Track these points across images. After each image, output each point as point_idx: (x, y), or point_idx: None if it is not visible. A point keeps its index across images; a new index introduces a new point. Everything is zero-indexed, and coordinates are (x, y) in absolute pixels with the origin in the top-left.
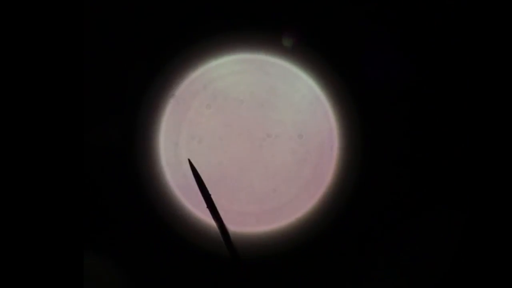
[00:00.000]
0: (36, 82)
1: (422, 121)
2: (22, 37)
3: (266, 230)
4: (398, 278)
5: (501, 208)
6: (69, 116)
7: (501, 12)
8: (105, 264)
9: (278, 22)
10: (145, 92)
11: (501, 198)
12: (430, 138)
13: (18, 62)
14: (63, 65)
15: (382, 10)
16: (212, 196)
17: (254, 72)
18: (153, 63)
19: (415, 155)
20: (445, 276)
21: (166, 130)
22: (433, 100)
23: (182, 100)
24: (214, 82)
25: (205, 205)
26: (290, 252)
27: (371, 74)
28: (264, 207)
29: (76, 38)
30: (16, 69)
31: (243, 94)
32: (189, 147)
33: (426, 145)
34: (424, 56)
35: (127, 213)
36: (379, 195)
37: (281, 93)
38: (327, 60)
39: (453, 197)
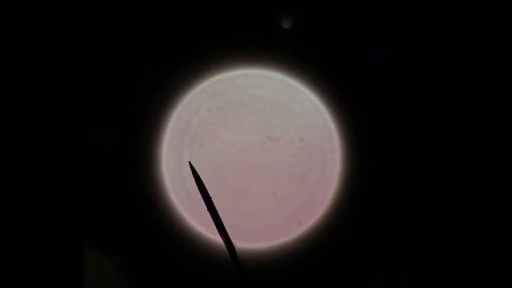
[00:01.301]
0: (38, 82)
1: (422, 123)
2: (25, 37)
3: (269, 238)
4: (401, 283)
5: (502, 212)
6: (71, 116)
7: (500, 10)
8: (105, 265)
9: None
10: (149, 96)
11: (502, 202)
12: (431, 141)
13: (22, 63)
14: (68, 67)
15: (379, 10)
16: (213, 199)
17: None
18: (159, 70)
19: (415, 159)
20: (448, 282)
21: (167, 133)
22: (433, 102)
23: (184, 104)
24: (217, 87)
25: (205, 208)
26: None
27: (370, 74)
28: (265, 211)
29: (81, 42)
30: (19, 70)
31: (244, 97)
32: (190, 150)
33: (427, 147)
34: (424, 57)
35: (127, 215)
36: (381, 200)
37: (281, 98)
38: (324, 65)
39: (454, 202)
